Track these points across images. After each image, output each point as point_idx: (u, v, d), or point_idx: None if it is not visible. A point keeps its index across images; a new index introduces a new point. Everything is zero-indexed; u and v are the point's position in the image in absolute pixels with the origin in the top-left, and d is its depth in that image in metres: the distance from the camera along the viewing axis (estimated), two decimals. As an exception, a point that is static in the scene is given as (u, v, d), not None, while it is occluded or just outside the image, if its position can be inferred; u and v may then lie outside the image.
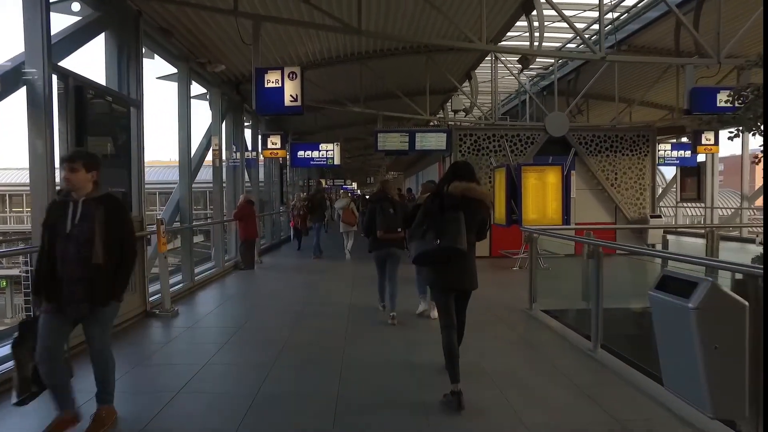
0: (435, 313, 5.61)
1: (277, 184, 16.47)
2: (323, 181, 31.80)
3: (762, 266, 2.87)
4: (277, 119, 15.28)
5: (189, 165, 8.03)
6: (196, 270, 9.23)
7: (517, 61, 9.38)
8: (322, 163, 16.18)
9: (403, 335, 5.40)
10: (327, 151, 16.08)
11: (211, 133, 9.76)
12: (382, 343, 5.13)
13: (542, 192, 9.62)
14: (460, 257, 3.61)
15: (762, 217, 6.24)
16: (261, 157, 14.58)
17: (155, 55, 7.73)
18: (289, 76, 6.06)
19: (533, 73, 15.39)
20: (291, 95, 6.05)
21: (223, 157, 10.85)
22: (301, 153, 16.04)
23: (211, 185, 11.42)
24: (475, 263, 3.90)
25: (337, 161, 16.07)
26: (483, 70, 13.83)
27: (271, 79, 6.08)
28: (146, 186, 6.51)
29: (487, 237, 11.27)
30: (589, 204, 11.91)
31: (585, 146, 11.86)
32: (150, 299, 6.39)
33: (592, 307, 4.51)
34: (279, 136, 12.35)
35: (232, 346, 5.08)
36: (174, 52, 7.90)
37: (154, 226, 6.41)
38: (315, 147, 16.08)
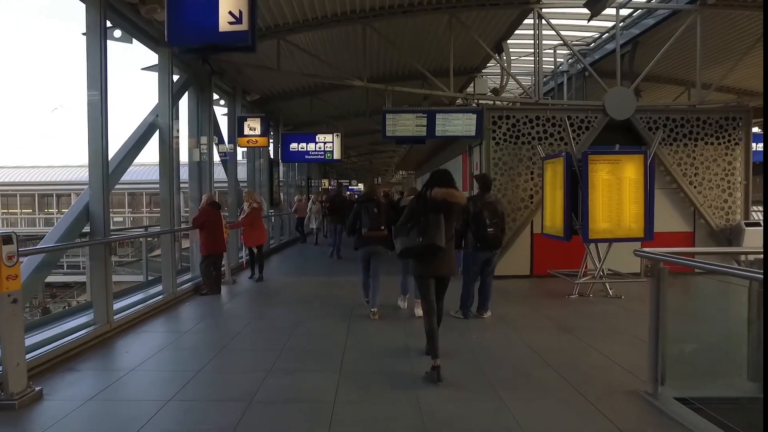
0: (419, 311, 5.66)
1: (266, 184, 13.82)
2: (326, 182, 29.16)
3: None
4: (263, 103, 12.63)
5: (104, 153, 5.37)
6: (130, 300, 6.59)
7: (584, 4, 6.67)
8: (319, 157, 13.63)
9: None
10: (325, 143, 13.55)
11: (158, 113, 7.11)
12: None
13: (617, 191, 6.87)
14: (440, 251, 4.14)
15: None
16: (244, 151, 12.00)
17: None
18: (226, -20, 3.37)
19: (565, 51, 12.64)
20: (231, 13, 3.37)
21: (182, 149, 8.23)
22: (293, 145, 13.53)
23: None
24: (454, 254, 4.43)
25: (337, 155, 13.52)
26: (516, 48, 11.15)
27: (196, -14, 3.40)
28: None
29: (528, 251, 8.47)
30: (659, 207, 9.07)
31: (655, 132, 9.09)
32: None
33: None
34: (258, 120, 9.66)
35: None
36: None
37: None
38: (310, 138, 13.55)
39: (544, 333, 5.51)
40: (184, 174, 8.54)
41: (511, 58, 11.05)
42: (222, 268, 8.67)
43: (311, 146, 13.53)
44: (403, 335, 5.39)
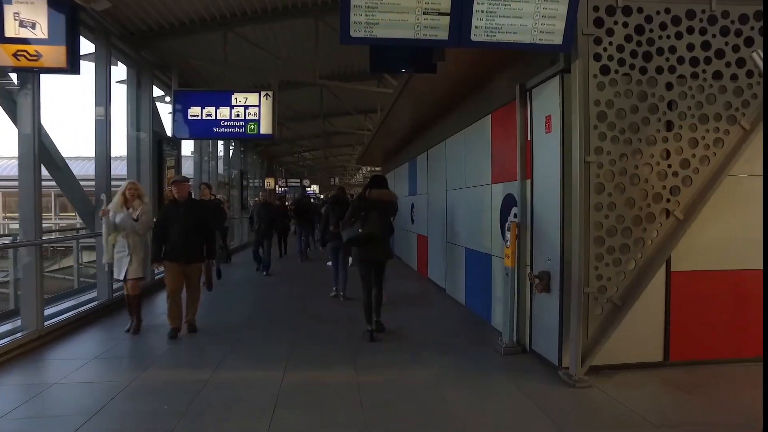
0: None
1: (149, 173, 8.32)
2: (271, 181, 23.52)
3: None
4: (140, 40, 7.17)
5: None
6: None
7: None
8: (236, 131, 8.45)
9: None
10: (246, 107, 8.42)
11: None
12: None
13: None
14: (377, 239, 5.22)
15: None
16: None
17: None
18: None
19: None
20: None
21: None
22: (194, 111, 8.33)
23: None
24: (389, 242, 5.55)
25: (266, 129, 8.42)
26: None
27: None
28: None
29: (661, 309, 4.37)
30: None
31: None
32: None
33: None
34: (44, 3, 4.04)
35: None
36: None
37: None
38: (222, 99, 8.38)
39: None
40: None
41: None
42: None
43: (224, 112, 8.23)
44: None
